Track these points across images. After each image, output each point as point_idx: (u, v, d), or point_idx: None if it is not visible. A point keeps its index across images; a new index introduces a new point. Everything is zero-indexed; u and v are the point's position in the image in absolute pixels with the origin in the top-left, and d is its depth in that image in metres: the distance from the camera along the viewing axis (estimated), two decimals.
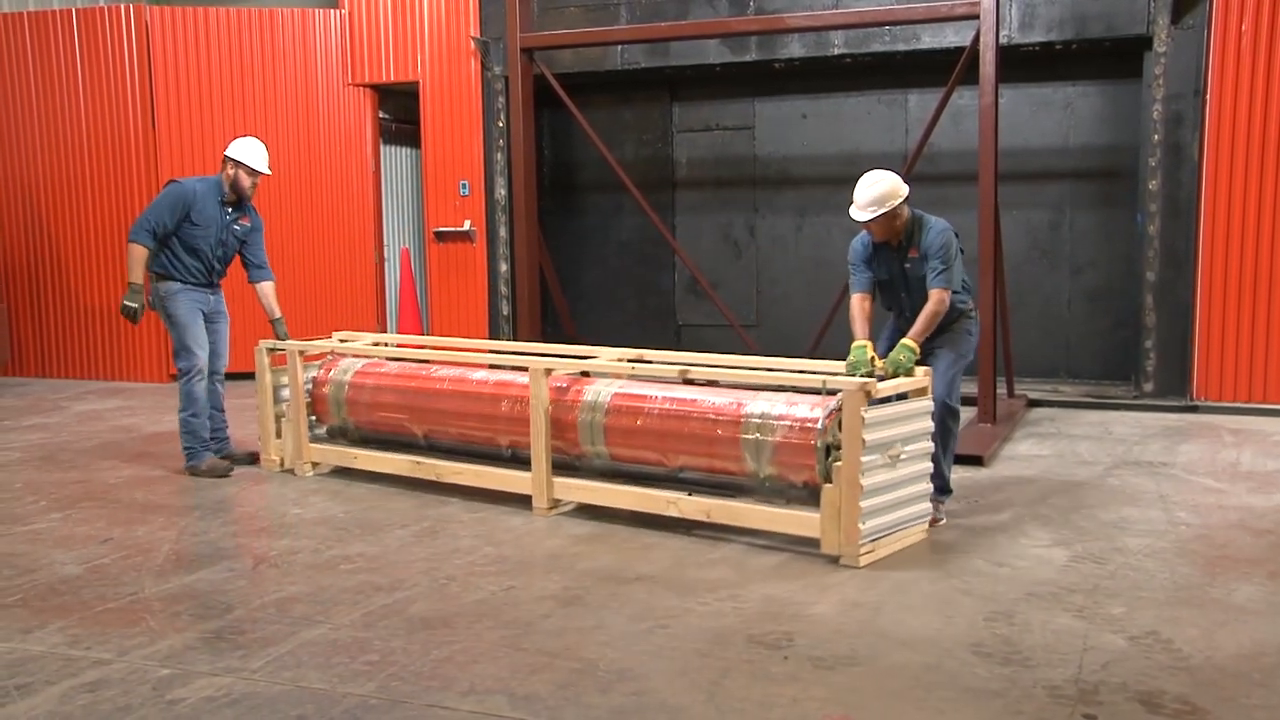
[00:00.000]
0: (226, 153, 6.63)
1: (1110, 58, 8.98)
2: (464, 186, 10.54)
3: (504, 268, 10.54)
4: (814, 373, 5.27)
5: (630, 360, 5.87)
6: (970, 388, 6.90)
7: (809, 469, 4.88)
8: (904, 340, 5.11)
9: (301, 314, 9.94)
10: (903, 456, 4.91)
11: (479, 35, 10.31)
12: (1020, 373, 9.00)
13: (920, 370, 5.09)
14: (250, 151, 6.62)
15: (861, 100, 10.05)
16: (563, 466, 5.72)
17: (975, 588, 4.45)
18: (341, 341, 6.94)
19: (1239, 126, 8.07)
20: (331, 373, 6.63)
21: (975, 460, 6.57)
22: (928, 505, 5.17)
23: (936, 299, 5.19)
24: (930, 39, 9.03)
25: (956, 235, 5.37)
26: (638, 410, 5.42)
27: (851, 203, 5.31)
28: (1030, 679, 3.57)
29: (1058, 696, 3.44)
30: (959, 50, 8.06)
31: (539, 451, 5.62)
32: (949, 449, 5.43)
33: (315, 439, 6.67)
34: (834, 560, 4.74)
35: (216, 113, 10.37)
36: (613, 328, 10.39)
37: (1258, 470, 6.45)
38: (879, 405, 4.79)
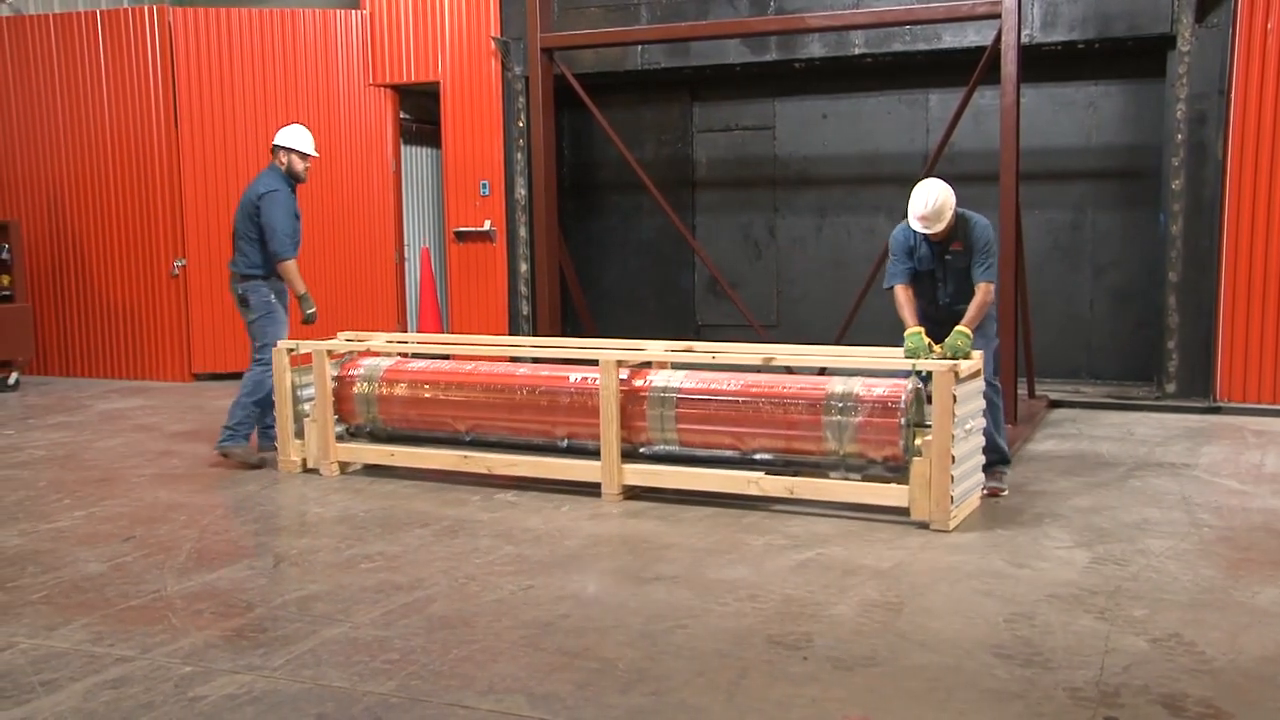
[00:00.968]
0: (277, 141, 6.93)
1: (1133, 57, 8.93)
2: (484, 186, 10.58)
3: (524, 267, 10.57)
4: (877, 360, 5.86)
5: (680, 350, 6.31)
6: None
7: (893, 444, 5.32)
8: (958, 327, 5.56)
9: (322, 313, 9.90)
10: (969, 429, 5.42)
11: (499, 35, 10.34)
12: (1041, 373, 8.96)
13: (976, 355, 5.53)
14: (300, 138, 6.96)
15: (882, 100, 10.02)
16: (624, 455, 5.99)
17: (996, 589, 4.43)
18: (357, 342, 6.97)
19: (1264, 125, 8.00)
20: (360, 371, 6.65)
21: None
22: (982, 476, 5.70)
23: (985, 290, 5.72)
24: (951, 38, 9.00)
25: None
26: (712, 397, 5.72)
27: (905, 214, 5.78)
28: (1051, 681, 3.55)
29: (1079, 699, 3.42)
30: (980, 50, 8.01)
31: (609, 439, 5.83)
32: (1000, 423, 5.94)
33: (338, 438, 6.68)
34: (923, 526, 5.23)
35: (239, 113, 10.44)
36: (632, 327, 10.36)
37: None
38: (959, 384, 5.29)
